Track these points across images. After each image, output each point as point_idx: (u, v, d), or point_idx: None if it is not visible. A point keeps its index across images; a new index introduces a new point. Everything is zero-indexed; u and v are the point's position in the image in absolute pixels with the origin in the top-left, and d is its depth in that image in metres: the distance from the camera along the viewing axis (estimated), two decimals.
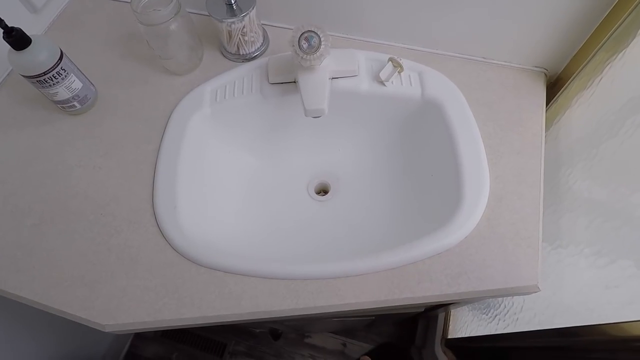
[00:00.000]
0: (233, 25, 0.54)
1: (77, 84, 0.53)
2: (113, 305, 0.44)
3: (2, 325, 0.72)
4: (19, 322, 0.75)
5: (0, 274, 0.46)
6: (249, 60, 0.59)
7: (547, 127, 0.53)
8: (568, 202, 0.47)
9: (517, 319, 0.52)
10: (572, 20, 0.48)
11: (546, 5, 0.48)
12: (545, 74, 0.56)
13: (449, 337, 0.83)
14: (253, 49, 0.59)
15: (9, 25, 0.45)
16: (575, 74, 0.51)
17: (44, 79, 0.49)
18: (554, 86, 0.56)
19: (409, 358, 1.06)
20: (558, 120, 0.54)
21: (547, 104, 0.54)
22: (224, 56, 0.60)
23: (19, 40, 0.46)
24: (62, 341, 0.87)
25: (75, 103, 0.54)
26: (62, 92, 0.51)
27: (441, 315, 0.90)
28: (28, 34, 0.47)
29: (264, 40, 0.60)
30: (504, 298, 0.58)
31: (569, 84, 0.52)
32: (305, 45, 0.46)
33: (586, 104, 0.48)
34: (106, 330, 0.44)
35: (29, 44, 0.47)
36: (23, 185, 0.51)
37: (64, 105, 0.54)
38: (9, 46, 0.46)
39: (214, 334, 1.20)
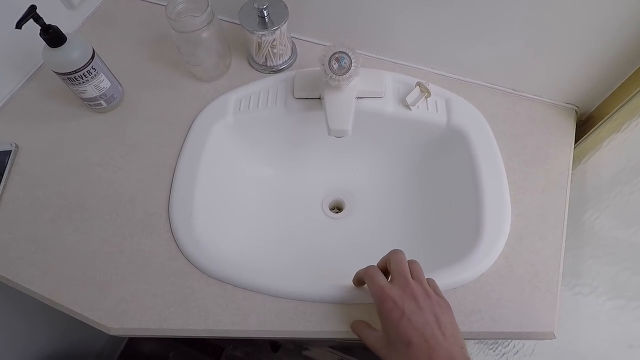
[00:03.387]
0: (264, 38, 0.54)
1: (105, 84, 0.53)
2: (121, 308, 0.44)
3: (3, 313, 0.72)
4: (21, 309, 0.75)
5: (14, 266, 0.47)
6: (276, 73, 0.59)
7: (574, 167, 0.51)
8: (592, 248, 0.46)
9: None
10: (610, 59, 0.47)
11: (584, 42, 0.46)
12: (576, 112, 0.55)
13: None
14: (281, 62, 0.59)
15: (47, 22, 0.46)
16: (609, 116, 0.49)
17: (75, 77, 0.50)
18: (585, 124, 0.55)
19: None
20: (586, 161, 0.52)
21: (575, 142, 0.53)
22: (251, 66, 0.60)
23: (55, 38, 0.46)
24: (62, 333, 0.87)
25: (102, 102, 0.54)
26: (90, 90, 0.52)
27: None
28: (63, 30, 0.47)
29: (292, 54, 0.60)
30: None
31: (601, 125, 0.51)
32: (335, 66, 0.45)
33: (619, 147, 0.46)
34: (112, 334, 0.43)
35: (64, 42, 0.47)
36: (44, 179, 0.52)
37: (90, 103, 0.54)
38: (44, 42, 0.47)
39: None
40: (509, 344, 0.56)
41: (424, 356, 0.32)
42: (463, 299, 0.43)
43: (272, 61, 0.58)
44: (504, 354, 0.57)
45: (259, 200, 0.59)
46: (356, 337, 0.41)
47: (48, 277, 0.46)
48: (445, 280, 0.43)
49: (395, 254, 0.39)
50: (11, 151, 0.53)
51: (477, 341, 0.69)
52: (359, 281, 0.42)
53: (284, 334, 0.43)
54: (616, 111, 0.48)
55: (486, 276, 0.44)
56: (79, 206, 0.50)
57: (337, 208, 0.63)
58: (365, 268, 0.41)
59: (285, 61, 0.59)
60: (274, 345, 1.09)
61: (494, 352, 0.60)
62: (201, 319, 0.43)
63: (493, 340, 0.62)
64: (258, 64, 0.59)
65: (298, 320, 0.43)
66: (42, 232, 0.49)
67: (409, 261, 0.39)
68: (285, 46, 0.58)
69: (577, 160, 0.52)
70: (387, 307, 0.35)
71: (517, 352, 0.53)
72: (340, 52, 0.45)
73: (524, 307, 0.43)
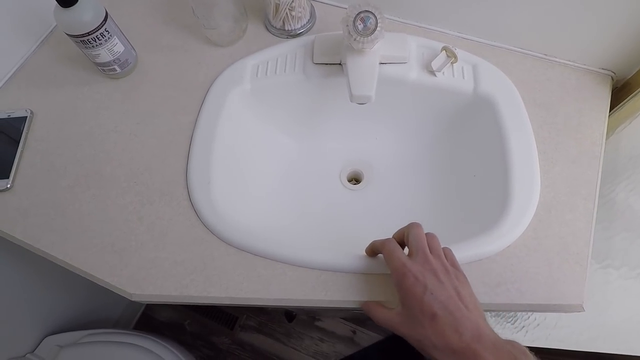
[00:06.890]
0: None
1: (119, 47, 0.51)
2: (141, 275, 0.44)
3: (23, 279, 0.74)
4: (41, 276, 0.77)
5: (34, 232, 0.47)
6: (294, 37, 0.56)
7: (608, 136, 0.49)
8: (625, 220, 0.44)
9: (549, 334, 0.50)
10: None
11: (623, 1, 0.43)
12: (612, 78, 0.52)
13: None
14: (299, 25, 0.56)
15: None
16: None
17: (88, 40, 0.48)
18: (621, 91, 0.52)
19: (419, 353, 1.05)
20: (621, 130, 0.49)
21: (610, 110, 0.50)
22: (268, 30, 0.58)
23: None
24: (81, 301, 0.89)
25: (116, 67, 0.53)
26: (104, 54, 0.50)
27: None
28: None
29: (310, 17, 0.57)
30: None
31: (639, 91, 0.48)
32: (360, 26, 0.43)
33: None
34: (133, 299, 0.44)
35: (76, 2, 0.45)
36: (60, 146, 0.51)
37: (104, 68, 0.53)
38: (55, 2, 0.45)
39: (227, 306, 1.21)
40: (529, 317, 0.55)
41: (449, 328, 0.32)
42: (489, 270, 0.42)
43: (290, 25, 0.56)
44: (523, 327, 0.56)
45: (277, 169, 0.58)
46: None
47: (68, 243, 0.46)
48: (470, 251, 0.42)
49: (413, 227, 0.39)
50: (26, 117, 0.52)
51: (493, 313, 0.68)
52: (373, 251, 0.42)
53: (306, 302, 0.42)
54: None
55: (513, 248, 0.43)
56: (95, 173, 0.49)
57: (355, 179, 0.61)
58: (382, 240, 0.40)
59: (304, 25, 0.57)
60: (289, 315, 1.10)
61: (512, 324, 0.59)
62: (222, 287, 0.43)
63: (512, 313, 0.61)
64: (275, 27, 0.57)
65: (319, 289, 0.42)
66: (60, 198, 0.48)
67: (426, 234, 0.39)
68: (303, 8, 0.55)
69: (611, 129, 0.50)
70: (408, 282, 0.35)
71: (538, 324, 0.53)
72: (366, 11, 0.43)
73: (552, 280, 0.42)
